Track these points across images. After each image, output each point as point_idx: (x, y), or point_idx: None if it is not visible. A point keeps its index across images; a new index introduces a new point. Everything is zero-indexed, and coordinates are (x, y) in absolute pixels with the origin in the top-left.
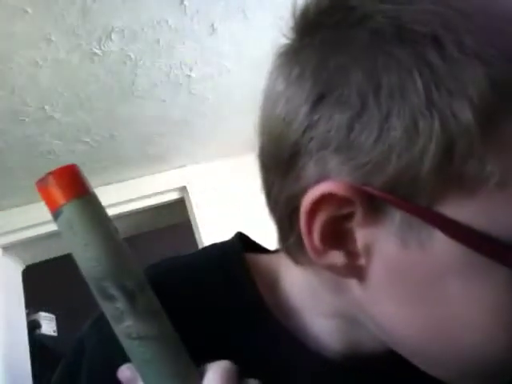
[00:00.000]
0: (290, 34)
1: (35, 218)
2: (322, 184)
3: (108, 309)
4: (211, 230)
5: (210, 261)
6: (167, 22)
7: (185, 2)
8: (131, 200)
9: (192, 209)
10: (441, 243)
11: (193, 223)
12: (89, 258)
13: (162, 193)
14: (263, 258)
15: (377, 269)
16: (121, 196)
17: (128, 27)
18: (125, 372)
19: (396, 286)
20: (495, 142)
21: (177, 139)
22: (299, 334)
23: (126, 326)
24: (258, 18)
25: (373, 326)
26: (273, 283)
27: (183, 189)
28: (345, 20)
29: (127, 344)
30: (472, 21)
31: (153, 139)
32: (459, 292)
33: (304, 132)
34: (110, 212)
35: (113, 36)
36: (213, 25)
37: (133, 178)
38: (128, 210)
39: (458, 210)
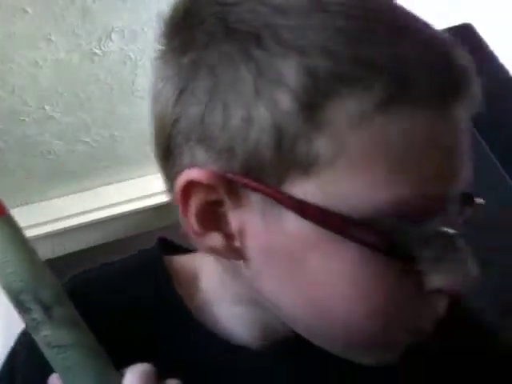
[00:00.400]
0: (162, 39)
1: (35, 218)
2: (188, 172)
3: (26, 320)
4: None
5: (131, 267)
6: None
7: None
8: (131, 200)
9: None
10: (293, 221)
11: None
12: (8, 274)
13: (161, 193)
14: (182, 258)
15: (252, 249)
16: (121, 196)
17: (128, 27)
18: (54, 380)
19: (271, 264)
20: (319, 124)
21: None
22: (217, 327)
23: (43, 336)
24: None
25: (272, 307)
26: (190, 280)
27: None
28: (191, 23)
29: (47, 353)
30: (289, 18)
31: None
32: (320, 266)
33: (172, 125)
34: (111, 212)
35: (113, 36)
36: None
37: (133, 178)
38: (128, 209)
39: (299, 188)
